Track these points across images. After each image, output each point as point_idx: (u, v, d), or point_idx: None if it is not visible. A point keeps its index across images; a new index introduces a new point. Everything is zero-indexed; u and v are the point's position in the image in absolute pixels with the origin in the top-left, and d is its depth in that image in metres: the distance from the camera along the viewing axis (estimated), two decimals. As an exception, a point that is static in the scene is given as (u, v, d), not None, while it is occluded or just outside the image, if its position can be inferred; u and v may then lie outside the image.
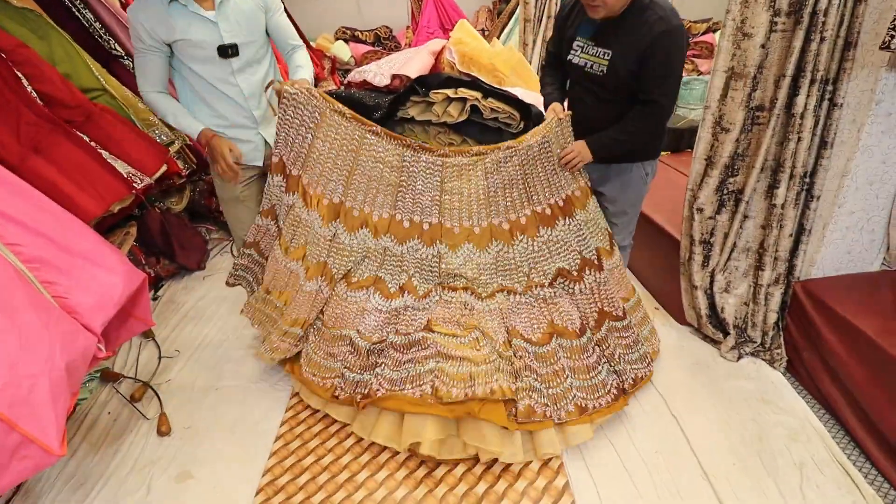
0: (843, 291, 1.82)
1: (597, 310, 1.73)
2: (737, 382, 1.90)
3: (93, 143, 1.54)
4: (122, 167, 1.57)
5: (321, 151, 1.58)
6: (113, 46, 2.22)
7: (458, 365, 1.52)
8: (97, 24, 2.23)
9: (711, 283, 2.03)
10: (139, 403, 1.85)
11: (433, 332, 1.59)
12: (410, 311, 1.64)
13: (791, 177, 1.79)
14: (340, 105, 1.57)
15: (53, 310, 1.24)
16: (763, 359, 1.99)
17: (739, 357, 2.00)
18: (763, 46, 1.74)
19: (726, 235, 1.96)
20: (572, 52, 1.65)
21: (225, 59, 1.56)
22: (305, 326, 1.69)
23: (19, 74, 1.45)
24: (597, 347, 1.70)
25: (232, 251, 2.95)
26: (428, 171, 1.59)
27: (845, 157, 1.77)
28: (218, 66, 1.56)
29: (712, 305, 2.06)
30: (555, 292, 1.69)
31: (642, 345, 1.81)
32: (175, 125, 1.58)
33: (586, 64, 1.60)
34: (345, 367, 1.62)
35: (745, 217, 1.93)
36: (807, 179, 1.81)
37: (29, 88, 1.46)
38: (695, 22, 4.88)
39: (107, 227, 1.85)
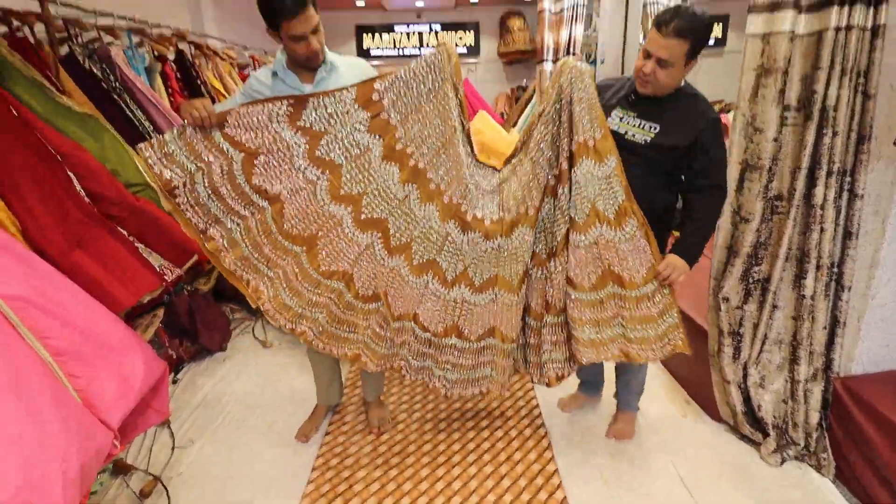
0: (886, 389, 1.71)
1: (542, 300, 1.78)
2: (781, 491, 1.75)
3: (131, 238, 1.62)
4: (156, 260, 1.64)
5: (426, 114, 1.55)
6: (158, 142, 2.41)
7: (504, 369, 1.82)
8: (147, 122, 2.44)
9: (745, 377, 1.94)
10: (148, 499, 1.79)
11: (495, 337, 1.74)
12: (468, 306, 1.70)
13: (818, 267, 1.75)
14: (460, 78, 1.58)
15: (74, 406, 1.24)
16: (809, 464, 1.84)
17: (782, 461, 1.85)
18: (776, 140, 1.78)
19: (756, 326, 1.89)
20: (610, 119, 1.69)
21: None
22: (346, 281, 1.62)
23: (71, 175, 1.57)
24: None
25: (254, 332, 2.97)
26: (488, 177, 1.66)
27: (872, 248, 1.74)
28: None
29: (748, 401, 1.95)
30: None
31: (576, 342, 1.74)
32: None
33: (626, 132, 1.66)
34: (408, 352, 1.75)
35: (774, 307, 1.87)
36: (835, 269, 1.77)
37: (78, 187, 1.57)
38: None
39: (136, 311, 1.90)
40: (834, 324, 1.79)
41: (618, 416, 2.09)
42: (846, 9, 1.60)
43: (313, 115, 1.50)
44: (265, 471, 1.93)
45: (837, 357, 1.81)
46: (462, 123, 1.60)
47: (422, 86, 1.53)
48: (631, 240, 1.63)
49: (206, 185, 1.45)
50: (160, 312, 2.31)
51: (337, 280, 1.59)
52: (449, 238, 1.64)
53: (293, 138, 1.49)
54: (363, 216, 1.57)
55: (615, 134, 1.67)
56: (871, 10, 1.58)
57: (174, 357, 2.60)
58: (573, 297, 1.70)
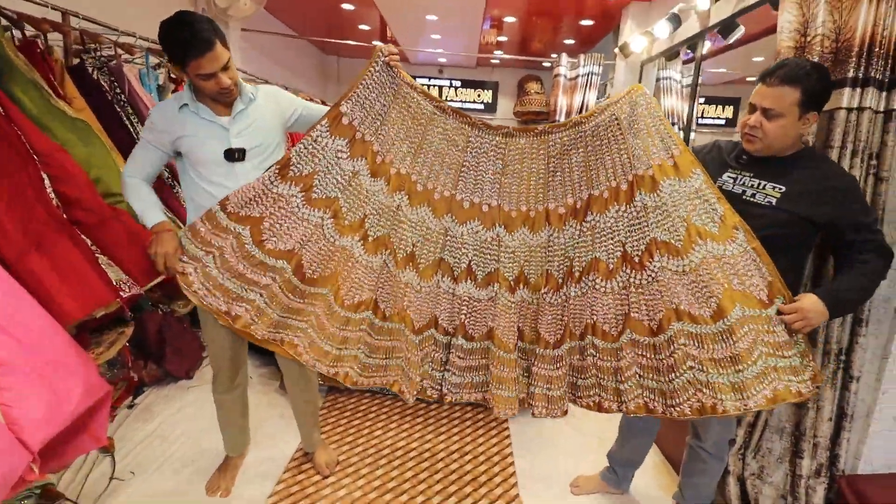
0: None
1: (622, 314, 1.51)
2: None
3: (94, 247, 1.54)
4: (115, 273, 1.55)
5: (395, 121, 1.57)
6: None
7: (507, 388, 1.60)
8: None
9: (742, 467, 1.77)
10: (70, 535, 1.61)
11: (494, 342, 1.60)
12: (473, 302, 1.63)
13: (826, 353, 1.64)
14: (411, 79, 1.57)
15: (-10, 422, 1.11)
16: (810, 572, 1.65)
17: (780, 566, 1.66)
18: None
19: (757, 411, 1.75)
20: (720, 181, 1.54)
21: (231, 162, 1.55)
22: (373, 308, 1.61)
23: (44, 175, 1.52)
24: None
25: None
26: (491, 153, 1.61)
27: (884, 338, 1.62)
28: (221, 168, 1.56)
29: (744, 493, 1.77)
30: (580, 290, 1.56)
31: (696, 373, 1.41)
32: (137, 210, 1.56)
33: (744, 192, 1.49)
34: (430, 365, 1.66)
35: (776, 392, 1.73)
36: (842, 357, 1.65)
37: (49, 189, 1.51)
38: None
39: (98, 325, 1.78)
40: (840, 416, 1.65)
41: None
42: (858, 90, 1.57)
43: (298, 160, 1.54)
44: (206, 518, 1.75)
45: (843, 453, 1.65)
46: (440, 108, 1.59)
47: (381, 96, 1.55)
48: (746, 253, 1.42)
49: (219, 266, 1.53)
50: (128, 330, 2.18)
51: (364, 310, 1.60)
52: (448, 234, 1.63)
53: (289, 190, 1.54)
54: (370, 238, 1.59)
55: (731, 194, 1.50)
56: (885, 94, 1.56)
57: (135, 379, 2.45)
58: (693, 332, 1.44)
